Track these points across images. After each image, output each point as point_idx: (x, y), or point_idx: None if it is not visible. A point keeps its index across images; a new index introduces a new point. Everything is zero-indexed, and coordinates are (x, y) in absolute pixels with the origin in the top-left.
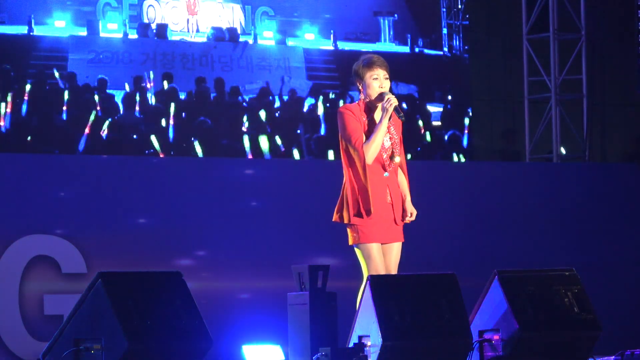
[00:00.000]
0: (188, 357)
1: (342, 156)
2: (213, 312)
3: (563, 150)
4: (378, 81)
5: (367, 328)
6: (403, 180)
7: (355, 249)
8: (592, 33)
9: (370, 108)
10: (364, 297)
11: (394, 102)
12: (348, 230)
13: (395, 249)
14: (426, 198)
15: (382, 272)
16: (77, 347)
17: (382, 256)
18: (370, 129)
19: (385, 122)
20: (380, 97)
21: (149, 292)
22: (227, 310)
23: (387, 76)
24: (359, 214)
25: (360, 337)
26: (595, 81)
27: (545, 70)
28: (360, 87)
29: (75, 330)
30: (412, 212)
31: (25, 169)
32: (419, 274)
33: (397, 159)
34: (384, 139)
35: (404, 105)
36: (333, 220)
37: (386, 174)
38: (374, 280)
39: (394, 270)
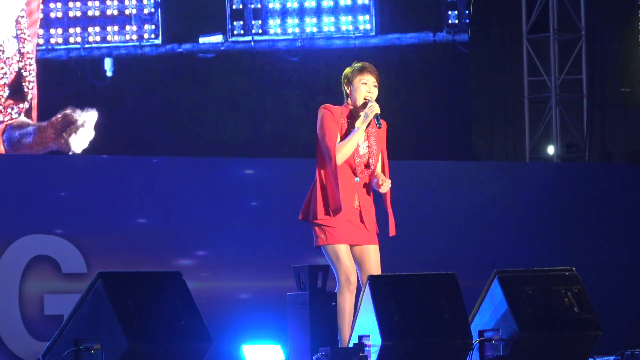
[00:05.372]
0: (188, 357)
1: (317, 154)
2: (213, 312)
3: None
4: (367, 86)
5: (367, 328)
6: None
7: (323, 250)
8: (592, 33)
9: (353, 114)
10: (364, 297)
11: (376, 109)
12: (314, 230)
13: (372, 250)
14: (426, 198)
15: (353, 274)
16: (77, 347)
17: (352, 258)
18: (348, 134)
19: (363, 127)
20: (364, 104)
21: (149, 292)
22: (227, 310)
23: (377, 84)
24: (327, 213)
25: (360, 337)
26: (595, 81)
27: (545, 70)
28: (348, 91)
29: (75, 330)
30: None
31: (25, 169)
32: (419, 274)
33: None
34: (360, 146)
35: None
36: (299, 218)
37: (357, 179)
38: (374, 280)
39: (376, 271)
